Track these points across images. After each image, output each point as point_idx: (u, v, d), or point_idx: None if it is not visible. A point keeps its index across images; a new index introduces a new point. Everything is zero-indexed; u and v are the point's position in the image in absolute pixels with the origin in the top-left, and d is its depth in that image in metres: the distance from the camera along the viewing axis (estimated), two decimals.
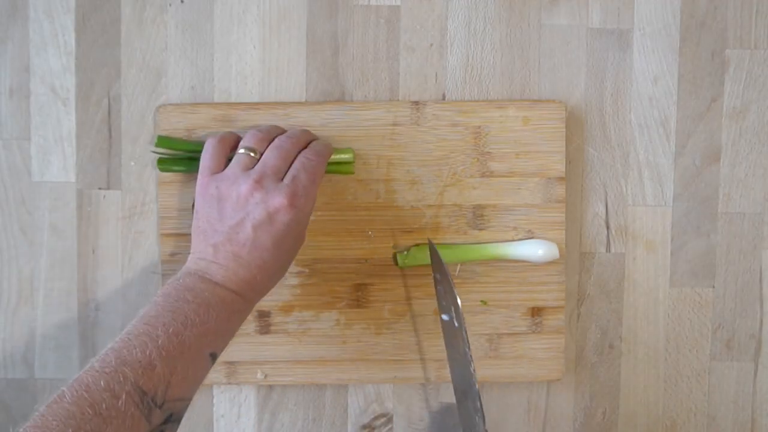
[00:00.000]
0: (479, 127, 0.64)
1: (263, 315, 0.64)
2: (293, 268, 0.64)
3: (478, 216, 0.64)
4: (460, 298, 0.63)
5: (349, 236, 0.64)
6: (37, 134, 0.65)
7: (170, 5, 0.65)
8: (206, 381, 0.64)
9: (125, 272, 0.66)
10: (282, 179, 0.55)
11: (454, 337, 0.61)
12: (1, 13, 0.64)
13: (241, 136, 0.59)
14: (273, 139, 0.58)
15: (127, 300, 0.66)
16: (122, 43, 0.65)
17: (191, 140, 0.63)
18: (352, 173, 0.63)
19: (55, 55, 0.65)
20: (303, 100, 0.65)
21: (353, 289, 0.64)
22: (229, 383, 0.65)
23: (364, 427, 0.67)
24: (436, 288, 0.62)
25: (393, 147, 0.64)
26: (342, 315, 0.65)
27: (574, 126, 0.65)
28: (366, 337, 0.65)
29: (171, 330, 0.49)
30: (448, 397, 0.67)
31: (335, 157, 0.62)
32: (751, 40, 0.65)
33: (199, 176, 0.57)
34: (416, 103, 0.64)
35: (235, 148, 0.58)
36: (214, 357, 0.52)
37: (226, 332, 0.53)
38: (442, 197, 0.64)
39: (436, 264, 0.62)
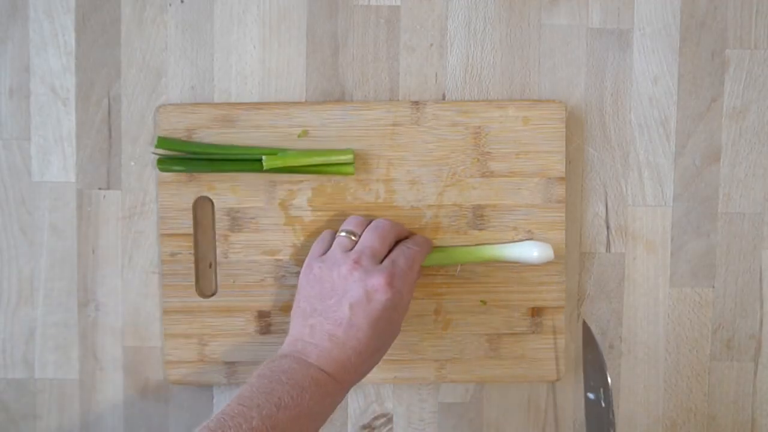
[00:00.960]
0: (479, 127, 0.64)
1: (263, 315, 0.64)
2: (293, 268, 0.64)
3: (478, 216, 0.64)
4: (460, 298, 0.63)
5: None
6: (37, 134, 0.65)
7: (170, 5, 0.65)
8: (207, 381, 0.65)
9: (125, 272, 0.66)
10: (381, 262, 0.57)
11: (599, 416, 0.62)
12: (1, 13, 0.64)
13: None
14: (370, 223, 0.60)
15: (127, 300, 0.66)
16: (122, 43, 0.65)
17: (191, 141, 0.63)
18: (353, 173, 0.63)
19: (55, 55, 0.65)
20: (303, 100, 0.65)
21: None
22: (229, 383, 0.65)
23: (364, 427, 0.67)
24: (584, 366, 0.63)
25: (393, 147, 0.64)
26: None
27: (574, 126, 0.66)
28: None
29: (264, 413, 0.49)
30: (448, 397, 0.67)
31: (335, 157, 0.62)
32: (751, 40, 0.65)
33: (306, 261, 0.59)
34: (416, 103, 0.64)
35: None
36: None
37: (319, 415, 0.53)
38: (442, 197, 0.64)
39: (590, 344, 0.63)
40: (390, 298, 0.55)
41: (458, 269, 0.64)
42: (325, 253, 0.59)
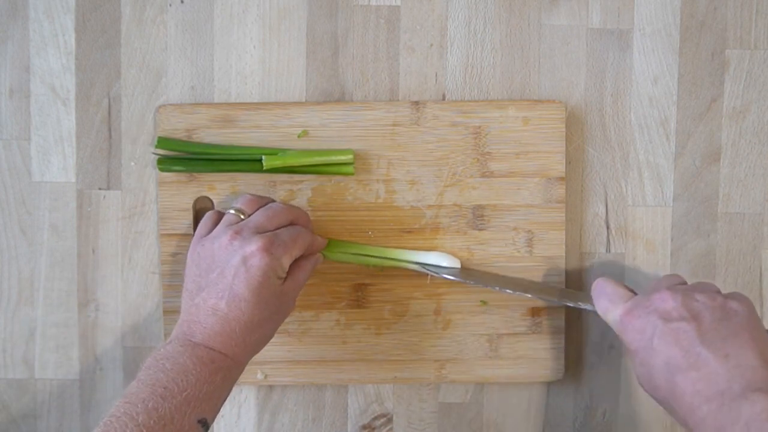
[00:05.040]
0: (479, 127, 0.64)
1: None
2: None
3: (478, 216, 0.64)
4: (460, 298, 0.63)
5: (349, 236, 0.64)
6: (37, 134, 0.65)
7: (170, 5, 0.65)
8: None
9: (125, 272, 0.66)
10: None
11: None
12: (1, 13, 0.64)
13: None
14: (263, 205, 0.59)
15: (127, 300, 0.66)
16: (122, 43, 0.65)
17: (191, 141, 0.63)
18: (353, 173, 0.63)
19: (55, 55, 0.65)
20: (303, 100, 0.65)
21: (353, 289, 0.64)
22: None
23: (364, 427, 0.67)
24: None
25: (393, 147, 0.64)
26: (342, 315, 0.65)
27: (574, 126, 0.66)
28: (366, 337, 0.65)
29: (150, 405, 0.48)
30: (448, 397, 0.67)
31: (335, 157, 0.62)
32: (751, 40, 0.66)
33: (191, 242, 0.58)
34: (416, 103, 0.64)
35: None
36: (204, 422, 0.50)
37: (211, 394, 0.51)
38: (442, 197, 0.64)
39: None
40: (268, 263, 0.53)
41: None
42: (206, 234, 0.58)
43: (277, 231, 0.56)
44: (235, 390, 0.66)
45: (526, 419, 0.67)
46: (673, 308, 0.52)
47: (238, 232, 0.55)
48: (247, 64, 0.65)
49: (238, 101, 0.65)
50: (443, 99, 0.65)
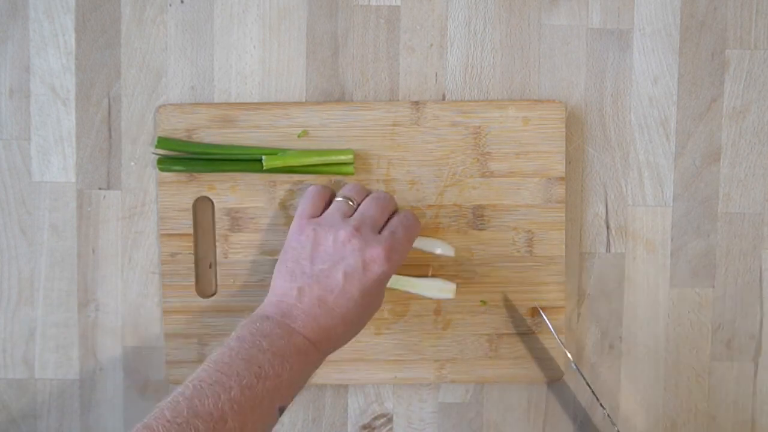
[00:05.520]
0: (479, 127, 0.64)
1: None
2: None
3: (478, 216, 0.64)
4: (460, 298, 0.63)
5: None
6: (37, 134, 0.65)
7: (170, 5, 0.65)
8: None
9: (125, 272, 0.66)
10: (379, 232, 0.55)
11: None
12: (1, 13, 0.64)
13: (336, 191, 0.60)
14: (370, 193, 0.59)
15: (127, 300, 0.66)
16: (122, 43, 0.65)
17: (191, 141, 0.63)
18: (353, 173, 0.63)
19: (55, 55, 0.65)
20: (303, 100, 0.65)
21: None
22: None
23: (364, 427, 0.67)
24: None
25: (393, 147, 0.64)
26: None
27: (574, 126, 0.66)
28: (366, 337, 0.65)
29: (245, 382, 0.47)
30: (448, 397, 0.67)
31: (335, 157, 0.62)
32: (751, 40, 0.65)
33: (296, 219, 0.57)
34: (416, 103, 0.64)
35: (332, 200, 0.59)
36: (281, 411, 0.50)
37: (297, 385, 0.51)
38: (442, 197, 0.64)
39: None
40: (386, 271, 0.54)
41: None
42: (315, 214, 0.57)
43: (394, 229, 0.56)
44: None
45: (526, 419, 0.67)
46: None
47: (358, 230, 0.54)
48: (247, 64, 0.65)
49: (238, 101, 0.65)
50: (443, 99, 0.65)
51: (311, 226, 0.56)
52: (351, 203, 0.57)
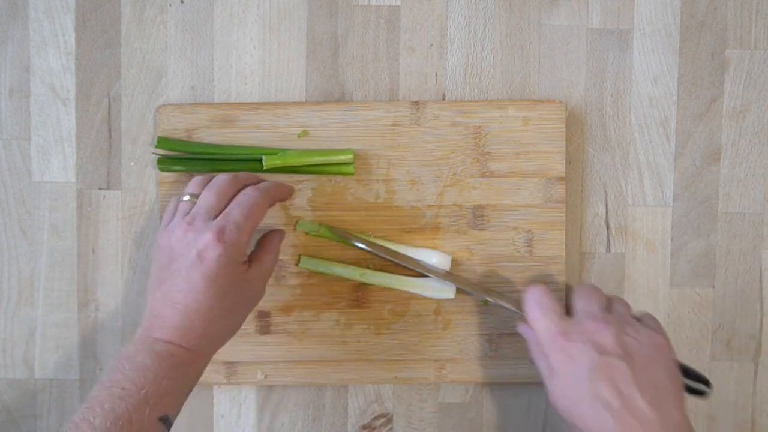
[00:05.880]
0: (479, 127, 0.64)
1: (263, 315, 0.64)
2: (293, 268, 0.64)
3: (478, 216, 0.64)
4: (461, 298, 0.63)
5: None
6: (37, 134, 0.65)
7: (170, 5, 0.65)
8: (207, 381, 0.65)
9: (125, 272, 0.66)
10: (216, 218, 0.55)
11: None
12: (1, 13, 0.64)
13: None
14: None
15: (127, 300, 0.66)
16: (122, 43, 0.65)
17: (191, 141, 0.63)
18: (352, 174, 0.63)
19: (55, 55, 0.65)
20: (303, 100, 0.65)
21: (353, 289, 0.64)
22: (229, 383, 0.65)
23: (364, 427, 0.67)
24: None
25: (393, 147, 0.64)
26: (342, 315, 0.65)
27: (574, 126, 0.66)
28: (366, 337, 0.65)
29: (107, 407, 0.48)
30: (448, 397, 0.67)
31: (335, 157, 0.62)
32: (751, 40, 0.66)
33: (157, 237, 0.58)
34: (416, 103, 0.64)
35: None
36: (165, 419, 0.50)
37: (172, 389, 0.51)
38: (442, 197, 0.64)
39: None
40: (222, 253, 0.53)
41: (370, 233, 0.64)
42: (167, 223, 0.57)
43: (228, 210, 0.55)
44: (235, 390, 0.66)
45: (526, 419, 0.67)
46: (608, 343, 0.53)
47: (190, 223, 0.54)
48: (247, 64, 0.65)
49: (238, 101, 0.65)
50: (443, 99, 0.65)
51: (161, 235, 0.56)
52: (194, 200, 0.57)
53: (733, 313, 0.67)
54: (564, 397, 0.54)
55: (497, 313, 0.65)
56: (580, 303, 0.57)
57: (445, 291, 0.62)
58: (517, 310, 0.60)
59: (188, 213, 0.56)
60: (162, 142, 0.62)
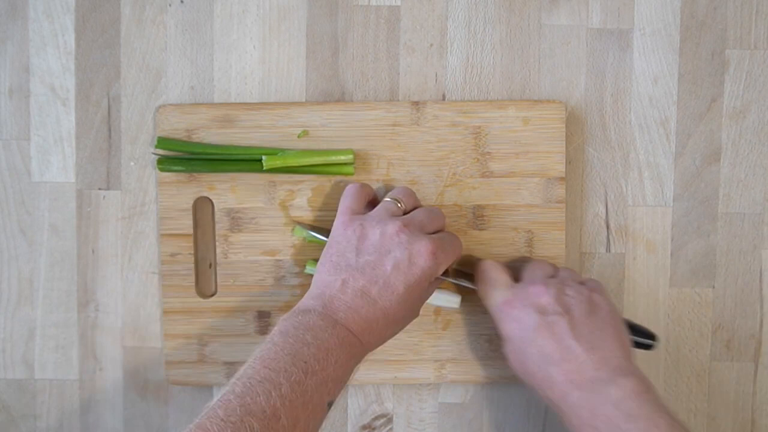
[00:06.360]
0: (479, 127, 0.64)
1: (263, 315, 0.64)
2: (293, 268, 0.64)
3: (478, 216, 0.64)
4: (460, 298, 0.63)
5: None
6: (37, 134, 0.65)
7: (170, 5, 0.65)
8: (207, 381, 0.65)
9: (125, 272, 0.66)
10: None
11: None
12: (1, 13, 0.64)
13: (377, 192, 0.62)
14: (417, 202, 0.60)
15: (127, 300, 0.66)
16: (122, 43, 0.65)
17: (191, 141, 0.63)
18: (352, 173, 0.63)
19: (55, 55, 0.65)
20: (303, 100, 0.65)
21: None
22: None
23: (364, 427, 0.67)
24: None
25: (393, 147, 0.64)
26: None
27: (574, 126, 0.66)
28: None
29: (293, 378, 0.47)
30: (448, 397, 0.67)
31: (335, 157, 0.62)
32: (751, 40, 0.65)
33: (339, 216, 0.57)
34: (416, 103, 0.64)
35: (372, 199, 0.60)
36: (330, 405, 0.50)
37: (343, 378, 0.51)
38: (442, 197, 0.64)
39: None
40: (431, 266, 0.54)
41: None
42: (359, 211, 0.57)
43: (443, 237, 0.56)
44: None
45: (526, 419, 0.67)
46: (548, 303, 0.56)
47: (407, 225, 0.55)
48: (247, 64, 0.65)
49: (238, 101, 0.65)
50: (443, 99, 0.65)
51: (357, 221, 0.56)
52: (399, 205, 0.58)
53: (733, 313, 0.67)
54: (516, 360, 0.57)
55: None
56: (526, 273, 0.60)
57: (451, 302, 0.62)
58: (473, 286, 0.62)
59: (396, 215, 0.56)
60: (162, 142, 0.62)
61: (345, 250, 0.54)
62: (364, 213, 0.58)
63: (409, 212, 0.58)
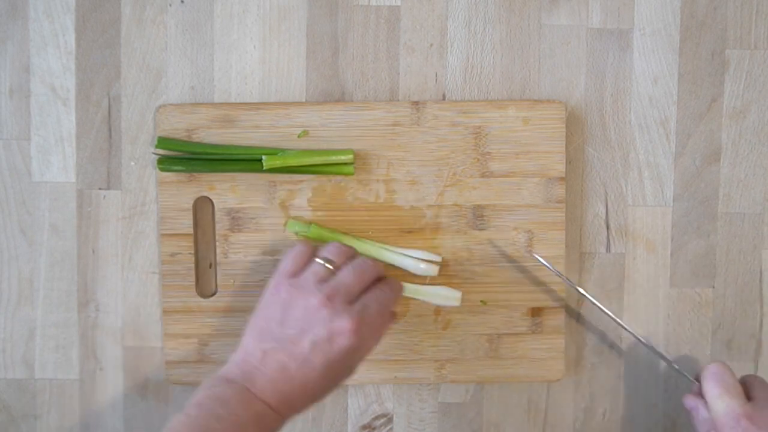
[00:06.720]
0: (479, 127, 0.64)
1: None
2: None
3: (478, 216, 0.64)
4: (460, 294, 0.63)
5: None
6: (37, 134, 0.65)
7: (170, 5, 0.65)
8: None
9: (125, 272, 0.66)
10: (353, 303, 0.54)
11: None
12: (1, 13, 0.64)
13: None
14: (353, 258, 0.57)
15: (127, 300, 0.66)
16: (122, 43, 0.65)
17: (191, 141, 0.63)
18: (352, 174, 0.63)
19: (55, 55, 0.65)
20: (303, 100, 0.65)
21: None
22: None
23: (364, 427, 0.67)
24: None
25: (393, 147, 0.64)
26: None
27: (574, 126, 0.66)
28: None
29: None
30: (448, 397, 0.67)
31: (335, 157, 0.62)
32: (751, 40, 0.66)
33: (275, 275, 0.57)
34: (416, 103, 0.64)
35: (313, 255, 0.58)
36: None
37: None
38: (442, 197, 0.64)
39: None
40: (352, 345, 0.53)
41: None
42: (296, 273, 0.56)
43: (367, 303, 0.55)
44: None
45: (526, 419, 0.67)
46: None
47: (330, 299, 0.53)
48: (247, 64, 0.65)
49: (238, 101, 0.65)
50: (443, 99, 0.65)
51: (286, 286, 0.55)
52: (329, 267, 0.56)
53: (733, 313, 0.67)
54: None
55: (497, 313, 0.65)
56: (758, 392, 0.58)
57: (451, 299, 0.62)
58: (694, 381, 0.62)
59: (324, 281, 0.55)
60: (162, 142, 0.62)
61: (271, 317, 0.55)
62: (300, 275, 0.56)
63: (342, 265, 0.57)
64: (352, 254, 0.58)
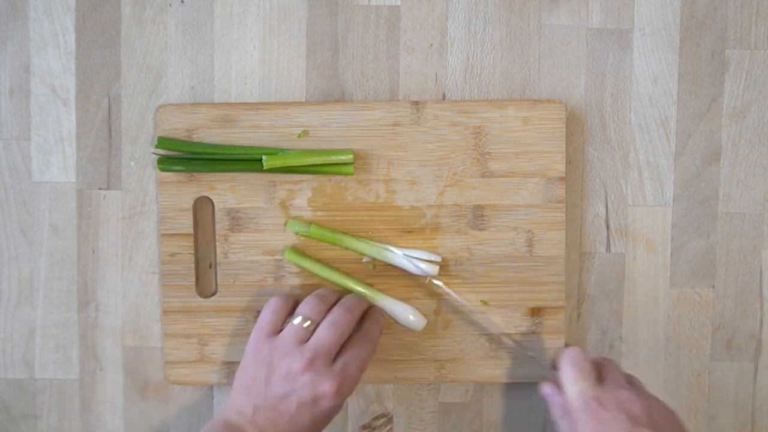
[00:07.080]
0: (479, 127, 0.64)
1: None
2: (293, 268, 0.64)
3: (478, 216, 0.64)
4: (461, 298, 0.63)
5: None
6: (37, 134, 0.65)
7: (170, 5, 0.65)
8: (207, 381, 0.65)
9: (125, 272, 0.66)
10: (333, 359, 0.57)
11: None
12: (1, 13, 0.64)
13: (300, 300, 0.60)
14: (330, 307, 0.59)
15: (127, 300, 0.66)
16: (122, 43, 0.65)
17: (191, 141, 0.63)
18: (352, 174, 0.63)
19: (55, 55, 0.65)
20: (303, 100, 0.65)
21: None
22: (229, 383, 0.65)
23: (364, 427, 0.67)
24: None
25: (393, 147, 0.64)
26: None
27: (574, 126, 0.66)
28: None
29: None
30: (448, 397, 0.67)
31: (335, 157, 0.62)
32: (751, 40, 0.66)
33: (254, 333, 0.59)
34: (416, 103, 0.64)
35: (293, 311, 0.60)
36: None
37: None
38: (442, 197, 0.64)
39: None
40: (337, 405, 0.57)
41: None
42: (275, 330, 0.58)
43: (348, 362, 0.57)
44: None
45: (526, 419, 0.67)
46: (640, 414, 0.55)
47: (311, 364, 0.56)
48: (247, 64, 0.65)
49: (238, 101, 0.65)
50: (443, 99, 0.65)
51: (267, 348, 0.57)
52: (307, 324, 0.58)
53: (733, 313, 0.67)
54: None
55: (497, 313, 0.65)
56: (607, 373, 0.59)
57: (414, 324, 0.62)
58: (550, 368, 0.62)
59: (304, 341, 0.57)
60: (162, 142, 0.62)
61: (256, 376, 0.57)
62: (279, 335, 0.58)
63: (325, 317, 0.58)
64: (330, 302, 0.60)
